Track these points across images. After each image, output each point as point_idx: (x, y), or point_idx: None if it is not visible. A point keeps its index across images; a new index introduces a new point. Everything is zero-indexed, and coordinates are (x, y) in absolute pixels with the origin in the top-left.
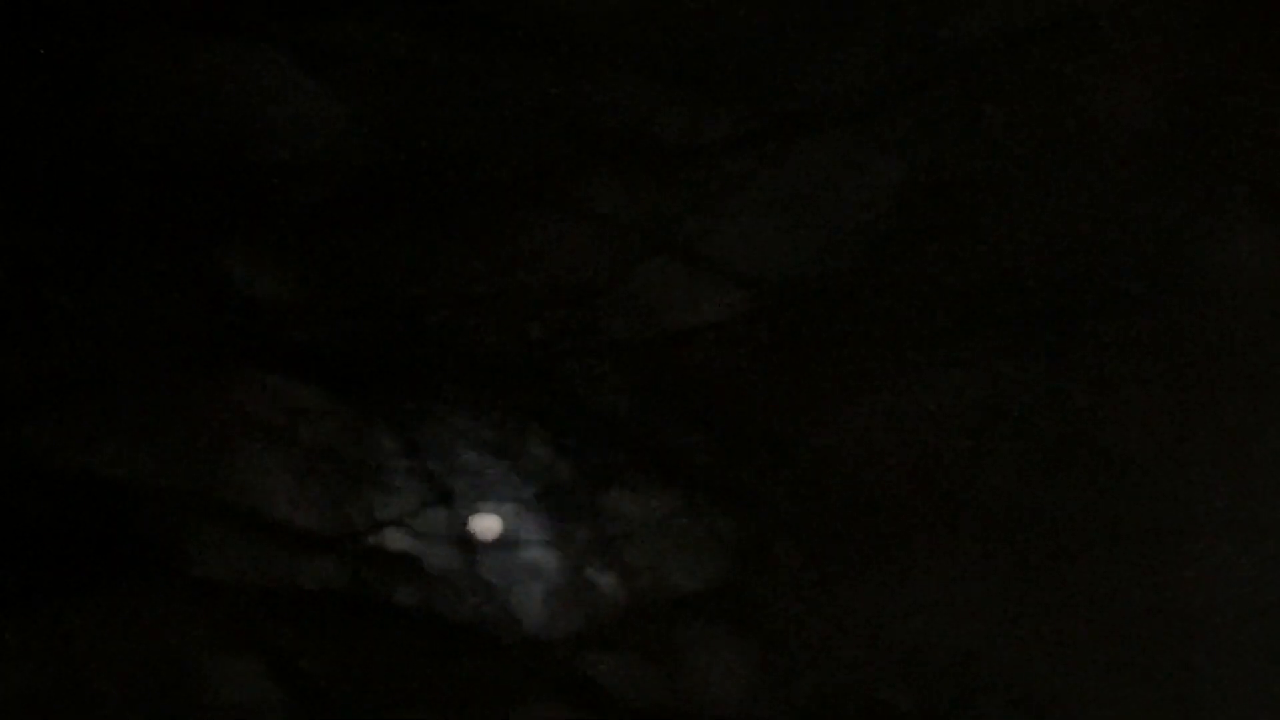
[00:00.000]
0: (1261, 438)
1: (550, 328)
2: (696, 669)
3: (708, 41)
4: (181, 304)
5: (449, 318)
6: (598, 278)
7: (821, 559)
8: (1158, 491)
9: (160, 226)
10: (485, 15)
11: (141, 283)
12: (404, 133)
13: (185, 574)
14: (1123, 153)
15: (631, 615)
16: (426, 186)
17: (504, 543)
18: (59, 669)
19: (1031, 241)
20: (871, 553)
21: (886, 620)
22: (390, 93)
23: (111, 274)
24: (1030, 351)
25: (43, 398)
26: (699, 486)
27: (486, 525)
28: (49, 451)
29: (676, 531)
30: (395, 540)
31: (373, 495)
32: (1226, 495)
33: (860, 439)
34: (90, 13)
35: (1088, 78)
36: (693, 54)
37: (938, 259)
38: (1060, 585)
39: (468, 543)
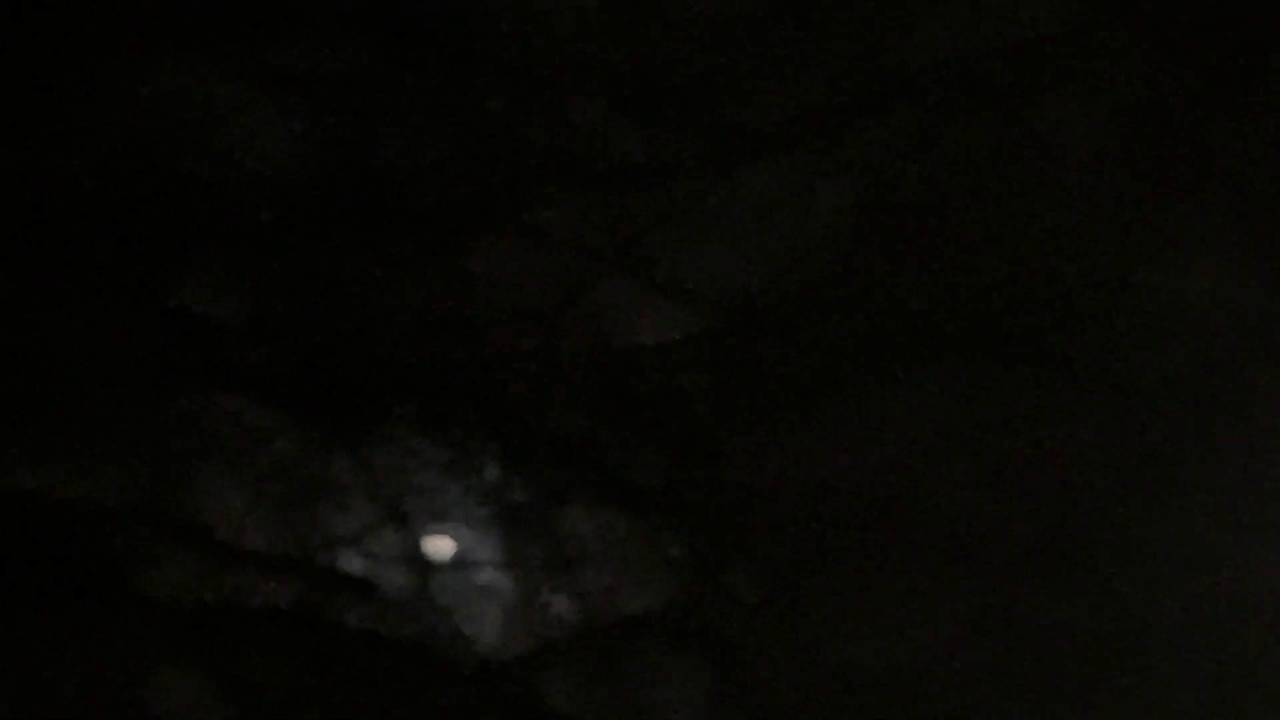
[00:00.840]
0: (1210, 464)
1: (504, 348)
2: (648, 691)
3: (662, 63)
4: (134, 324)
5: (403, 338)
6: (551, 298)
7: (772, 581)
8: (1105, 517)
9: (112, 246)
10: (438, 36)
11: (94, 303)
12: (357, 153)
13: (137, 593)
14: (1075, 175)
15: (584, 636)
16: (380, 207)
17: (457, 563)
18: (9, 686)
19: (983, 264)
20: (821, 575)
21: (836, 642)
22: (343, 113)
23: (63, 295)
24: (982, 374)
25: None
26: (651, 507)
27: (439, 546)
28: (2, 471)
29: (629, 552)
30: (348, 560)
31: (326, 515)
32: (1172, 523)
33: (811, 460)
34: (37, 32)
35: (1040, 100)
36: (647, 75)
37: (890, 281)
38: (1006, 609)
39: (420, 563)
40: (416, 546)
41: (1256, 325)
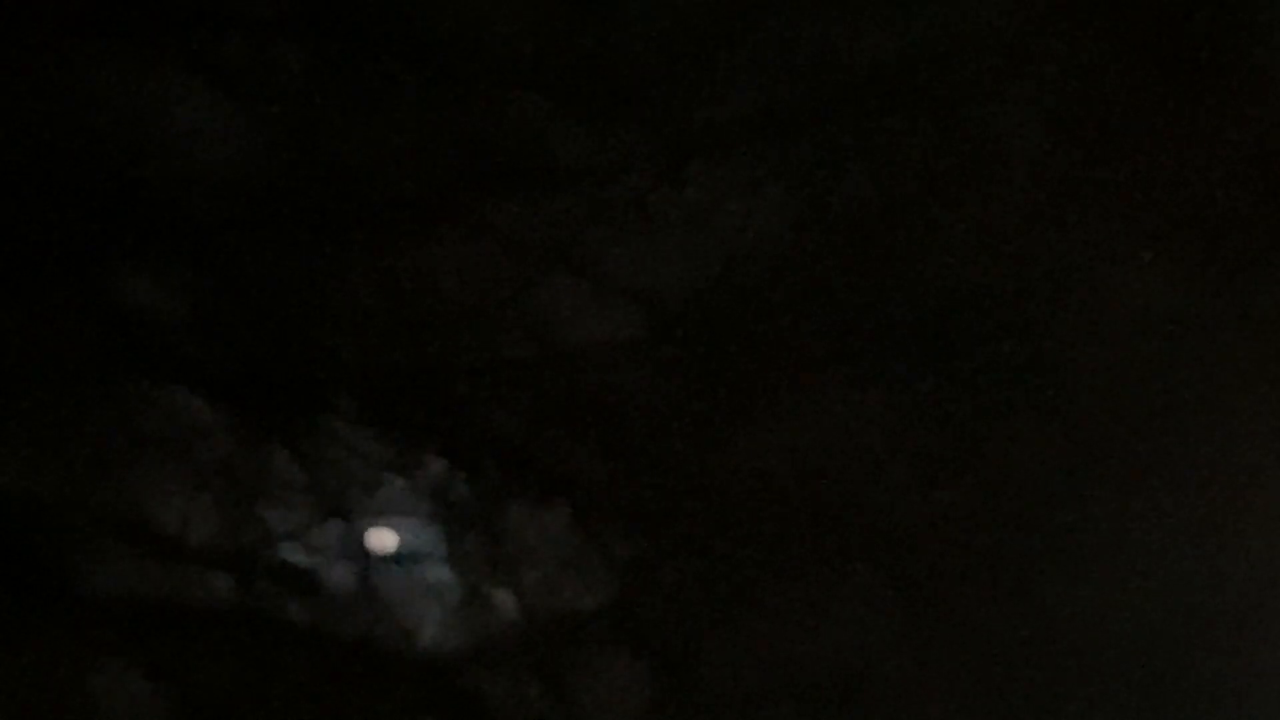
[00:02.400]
0: (1146, 466)
1: (446, 345)
2: (588, 688)
3: (608, 63)
4: (74, 319)
5: (345, 334)
6: (493, 296)
7: (712, 579)
8: (1043, 518)
9: (52, 240)
10: (383, 34)
11: (33, 297)
12: (301, 149)
13: (74, 588)
14: (1015, 177)
15: (524, 634)
16: (324, 203)
17: (398, 560)
18: None
19: (926, 264)
20: (761, 573)
21: (775, 641)
22: (288, 109)
23: (2, 289)
24: (923, 375)
25: None
26: (592, 505)
27: (381, 542)
28: None
29: (569, 550)
30: (288, 556)
31: (266, 510)
32: (1110, 524)
33: (753, 460)
34: None
35: (980, 104)
36: (592, 76)
37: (831, 282)
38: (946, 609)
39: (362, 559)
40: (358, 543)
41: (1194, 327)
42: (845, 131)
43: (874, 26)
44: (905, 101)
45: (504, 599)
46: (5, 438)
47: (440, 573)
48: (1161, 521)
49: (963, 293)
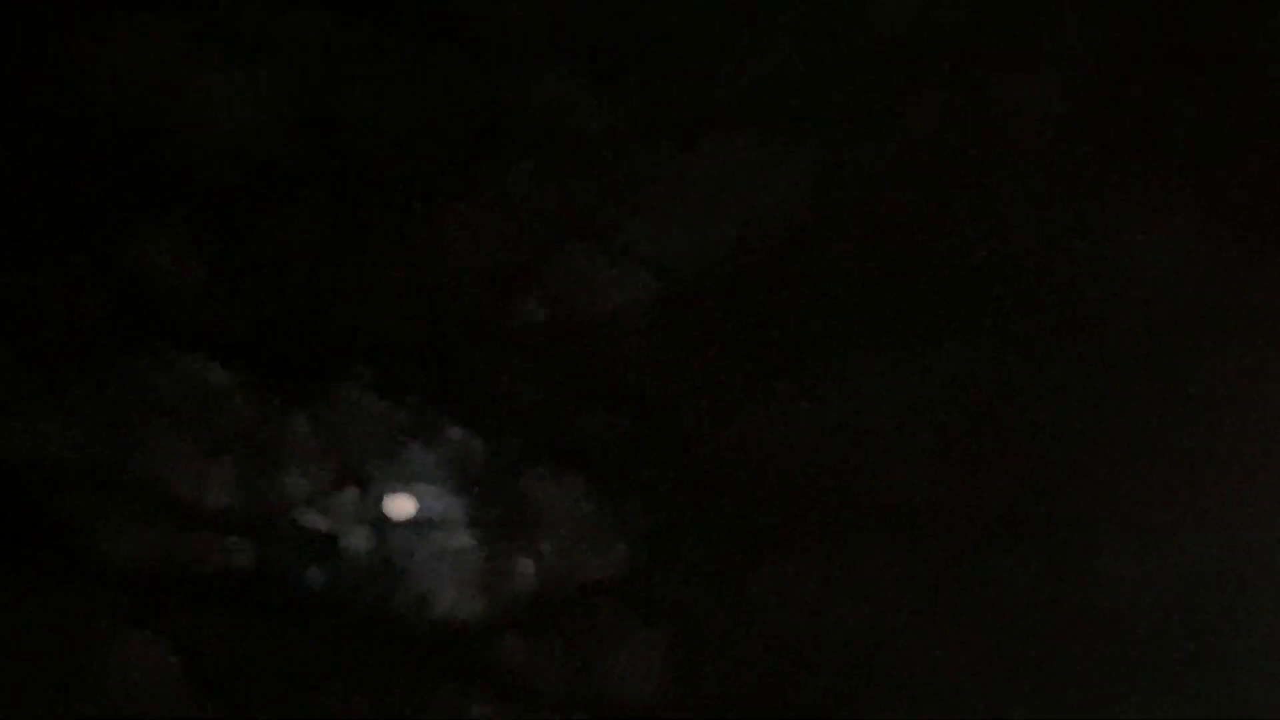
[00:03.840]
0: (1164, 436)
1: (463, 314)
2: (604, 655)
3: (625, 34)
4: (92, 286)
5: (363, 302)
6: (512, 264)
7: (727, 549)
8: (1060, 488)
9: (71, 208)
10: (401, 4)
11: (52, 265)
12: (320, 118)
13: (93, 554)
14: (1030, 147)
15: (541, 601)
16: (342, 172)
17: (416, 525)
18: None
19: (943, 234)
20: (778, 546)
21: (789, 610)
22: (307, 79)
23: (19, 255)
24: (939, 345)
25: None
26: (608, 474)
27: (398, 508)
28: None
29: (585, 518)
30: (306, 522)
31: (284, 477)
32: (1124, 496)
33: (768, 430)
34: None
35: (995, 73)
36: (610, 46)
37: (849, 252)
38: (961, 579)
39: (379, 525)
40: (375, 509)
41: (1208, 296)
42: (862, 101)
43: None
44: (923, 69)
45: (521, 566)
46: (23, 405)
47: (457, 539)
48: (1182, 492)
49: (981, 263)
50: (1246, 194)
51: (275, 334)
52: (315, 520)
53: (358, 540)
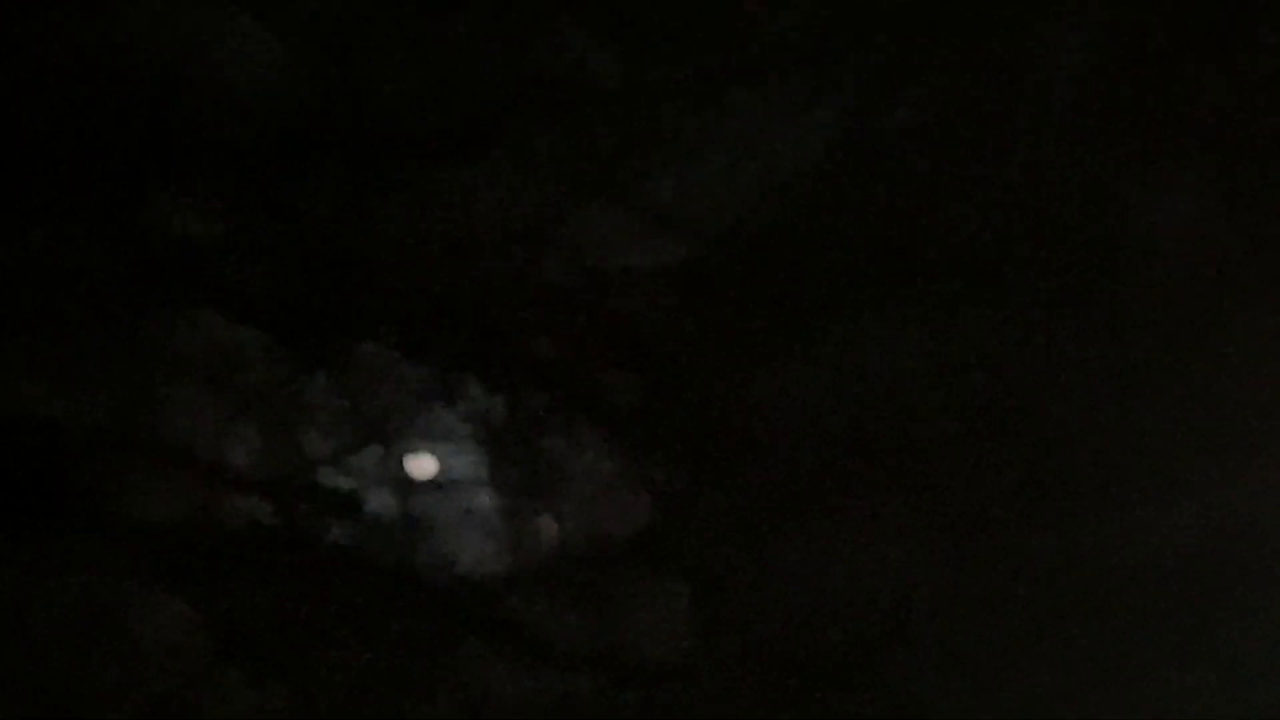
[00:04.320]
0: (1192, 400)
1: (484, 273)
2: (626, 612)
3: None
4: (112, 244)
5: (384, 260)
6: (533, 222)
7: (750, 509)
8: (1087, 451)
9: (90, 164)
10: None
11: (71, 222)
12: (339, 76)
13: (113, 513)
14: (1056, 105)
15: (563, 560)
16: (362, 129)
17: (437, 485)
18: None
19: (970, 193)
20: (800, 505)
21: (814, 572)
22: (328, 35)
23: (37, 212)
24: (966, 306)
25: None
26: (630, 432)
27: (420, 467)
28: None
29: (607, 476)
30: (327, 480)
31: (305, 436)
32: (1155, 456)
33: (792, 390)
34: None
35: (1021, 30)
36: (631, 2)
37: (875, 211)
38: (988, 542)
39: (400, 484)
40: (396, 468)
41: (1235, 255)
42: (886, 57)
43: None
44: (947, 25)
45: (543, 524)
46: (42, 363)
47: (479, 498)
48: (1212, 452)
49: (1009, 221)
50: (1271, 155)
51: (296, 293)
52: (337, 479)
53: (379, 499)
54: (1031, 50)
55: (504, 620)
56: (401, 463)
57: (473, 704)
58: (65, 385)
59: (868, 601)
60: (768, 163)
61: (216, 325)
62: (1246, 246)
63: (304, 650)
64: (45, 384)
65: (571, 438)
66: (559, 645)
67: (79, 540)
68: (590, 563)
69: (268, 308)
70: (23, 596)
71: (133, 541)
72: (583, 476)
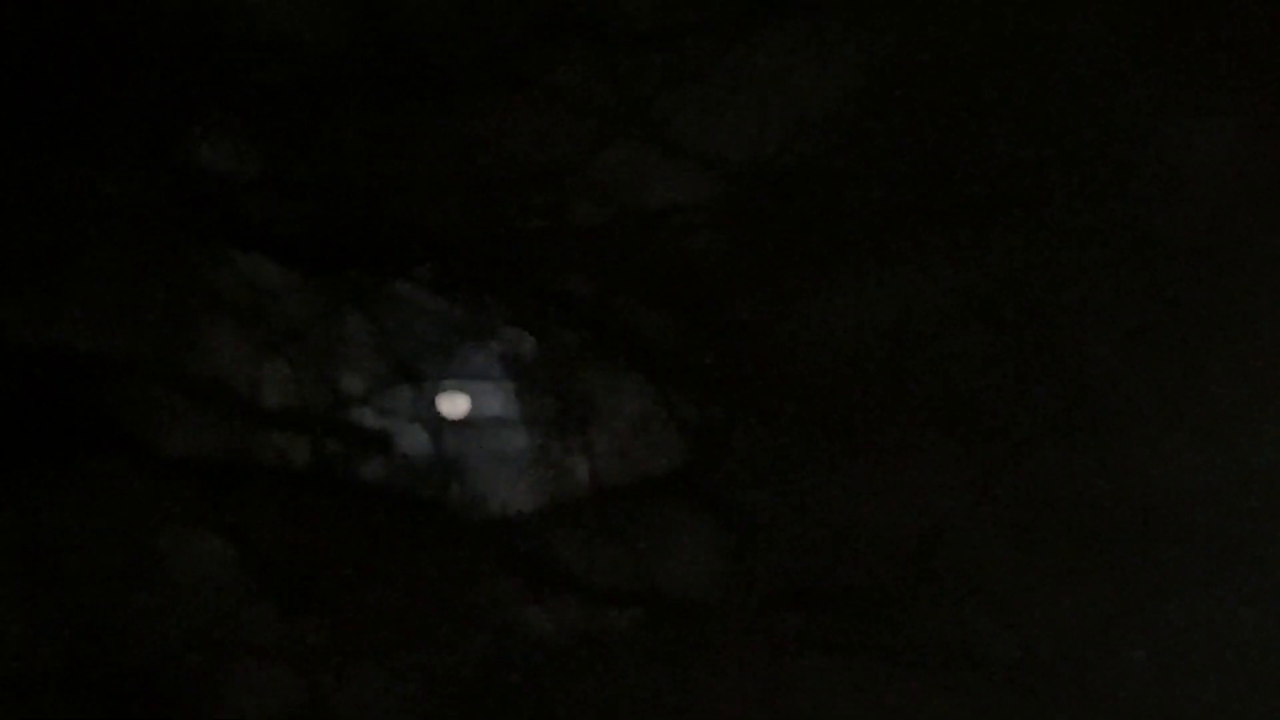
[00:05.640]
0: (1218, 328)
1: (516, 209)
2: (658, 549)
3: None
4: (149, 182)
5: (416, 198)
6: (565, 159)
7: (782, 445)
8: (1116, 383)
9: (126, 102)
10: None
11: (108, 160)
12: (371, 14)
13: (149, 448)
14: (1088, 39)
15: (595, 496)
16: (395, 68)
17: (469, 422)
18: (21, 541)
19: (999, 128)
20: (832, 440)
21: (846, 505)
22: None
23: (76, 149)
24: (996, 239)
25: (7, 272)
26: (663, 370)
27: (452, 404)
28: (13, 325)
29: (640, 414)
30: (360, 418)
31: (338, 373)
32: (1183, 386)
33: (824, 326)
34: None
35: None
36: None
37: (905, 146)
38: (1020, 475)
39: (434, 421)
40: (430, 405)
41: (1273, 186)
42: None
43: None
44: None
45: (576, 462)
46: (80, 300)
47: (512, 436)
48: (1240, 384)
49: (1039, 156)
50: None
51: (330, 231)
52: (370, 418)
53: (412, 437)
54: None
55: (537, 557)
56: (434, 401)
57: (507, 638)
58: (102, 320)
59: (901, 536)
60: (799, 100)
61: (251, 262)
62: None
63: (337, 585)
64: (84, 318)
65: (604, 375)
66: (592, 582)
67: (115, 473)
68: (624, 500)
69: (302, 245)
70: (61, 530)
71: (169, 477)
72: (616, 414)
